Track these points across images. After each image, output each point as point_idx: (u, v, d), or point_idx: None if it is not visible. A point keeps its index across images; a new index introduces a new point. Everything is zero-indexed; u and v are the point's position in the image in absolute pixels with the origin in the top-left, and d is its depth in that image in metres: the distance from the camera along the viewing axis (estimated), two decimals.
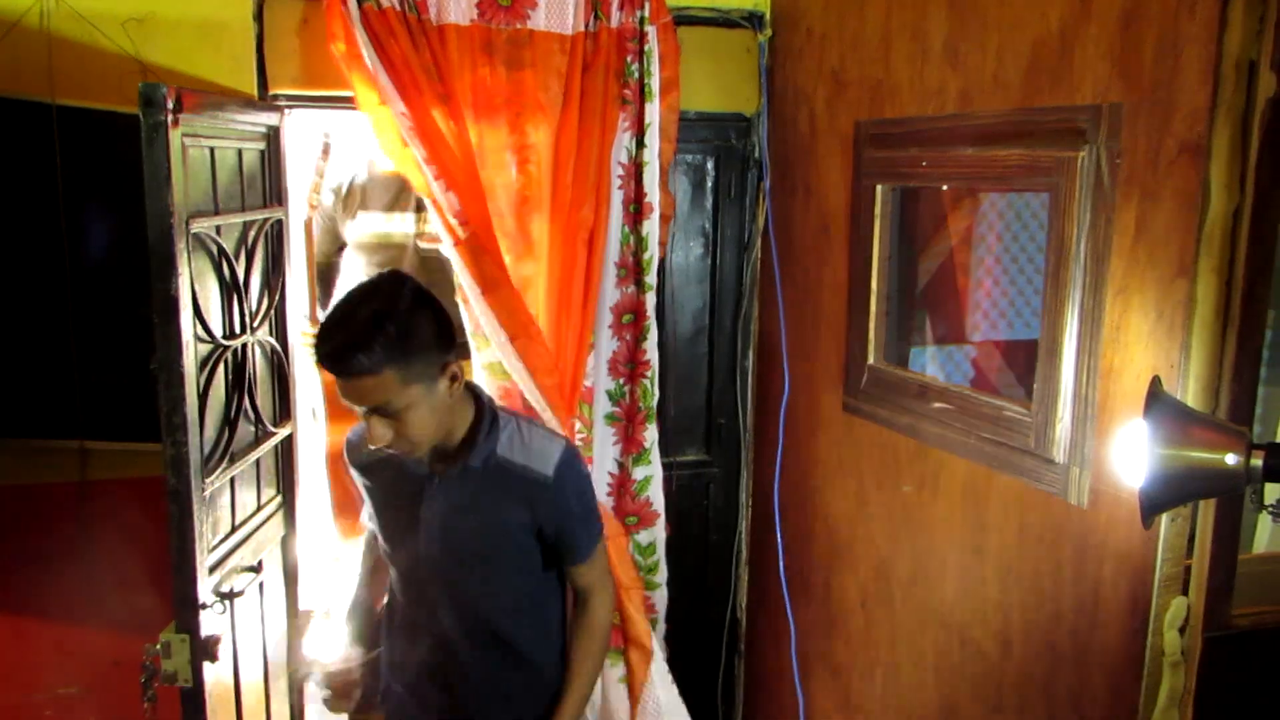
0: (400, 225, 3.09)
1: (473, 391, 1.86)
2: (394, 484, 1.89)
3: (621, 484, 2.71)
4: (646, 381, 2.66)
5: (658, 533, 2.74)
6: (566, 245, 2.50)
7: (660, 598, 2.78)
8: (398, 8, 2.30)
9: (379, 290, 1.69)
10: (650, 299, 2.63)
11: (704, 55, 2.71)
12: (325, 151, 3.19)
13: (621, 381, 2.67)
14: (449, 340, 1.72)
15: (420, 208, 2.99)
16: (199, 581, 1.94)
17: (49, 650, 2.47)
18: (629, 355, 2.66)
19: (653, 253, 2.61)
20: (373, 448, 1.72)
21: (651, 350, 2.66)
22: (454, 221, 2.38)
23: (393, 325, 1.61)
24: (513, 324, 2.41)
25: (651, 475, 2.71)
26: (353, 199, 3.11)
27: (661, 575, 2.77)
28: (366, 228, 3.10)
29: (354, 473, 1.97)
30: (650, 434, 2.69)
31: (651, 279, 2.62)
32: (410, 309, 1.66)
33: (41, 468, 2.38)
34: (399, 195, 3.07)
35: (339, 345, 1.60)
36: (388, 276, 1.74)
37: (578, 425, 2.62)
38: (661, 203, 2.61)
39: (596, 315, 2.60)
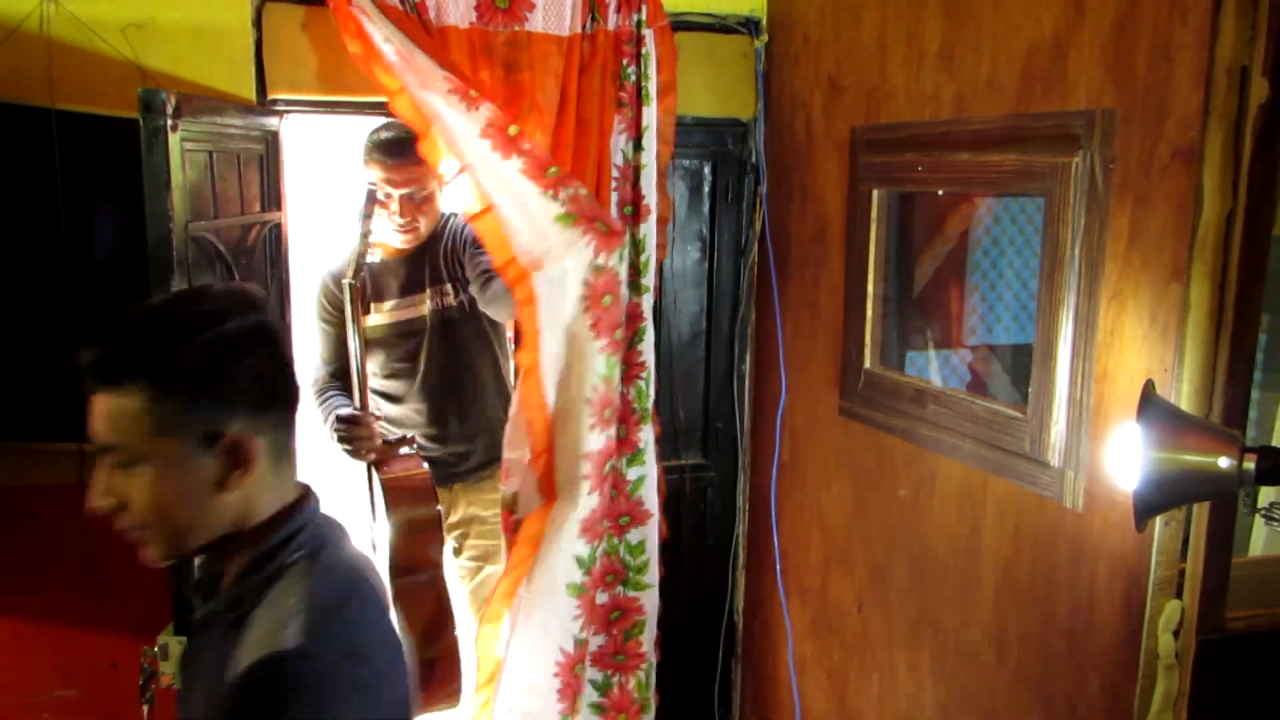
0: (419, 305, 2.76)
1: (296, 504, 1.25)
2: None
3: (615, 484, 2.71)
4: (641, 383, 2.66)
5: (648, 532, 2.73)
6: None
7: (650, 600, 2.74)
8: (399, 6, 2.30)
9: (206, 297, 1.25)
10: (647, 301, 2.63)
11: (701, 60, 2.72)
12: (371, 203, 2.57)
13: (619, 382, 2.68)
14: (259, 405, 1.19)
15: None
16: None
17: (47, 652, 2.47)
18: (625, 357, 2.66)
19: (649, 255, 2.61)
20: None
21: (648, 352, 2.66)
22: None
23: (185, 333, 1.15)
24: None
25: (645, 475, 2.70)
26: (364, 294, 2.68)
27: (651, 576, 2.74)
28: (382, 320, 2.75)
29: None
30: (644, 435, 2.68)
31: (648, 281, 2.62)
32: (231, 333, 1.17)
33: (39, 470, 2.38)
34: (418, 270, 2.73)
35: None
36: (234, 291, 1.27)
37: None
38: (660, 205, 2.62)
39: None
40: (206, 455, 1.15)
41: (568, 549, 2.45)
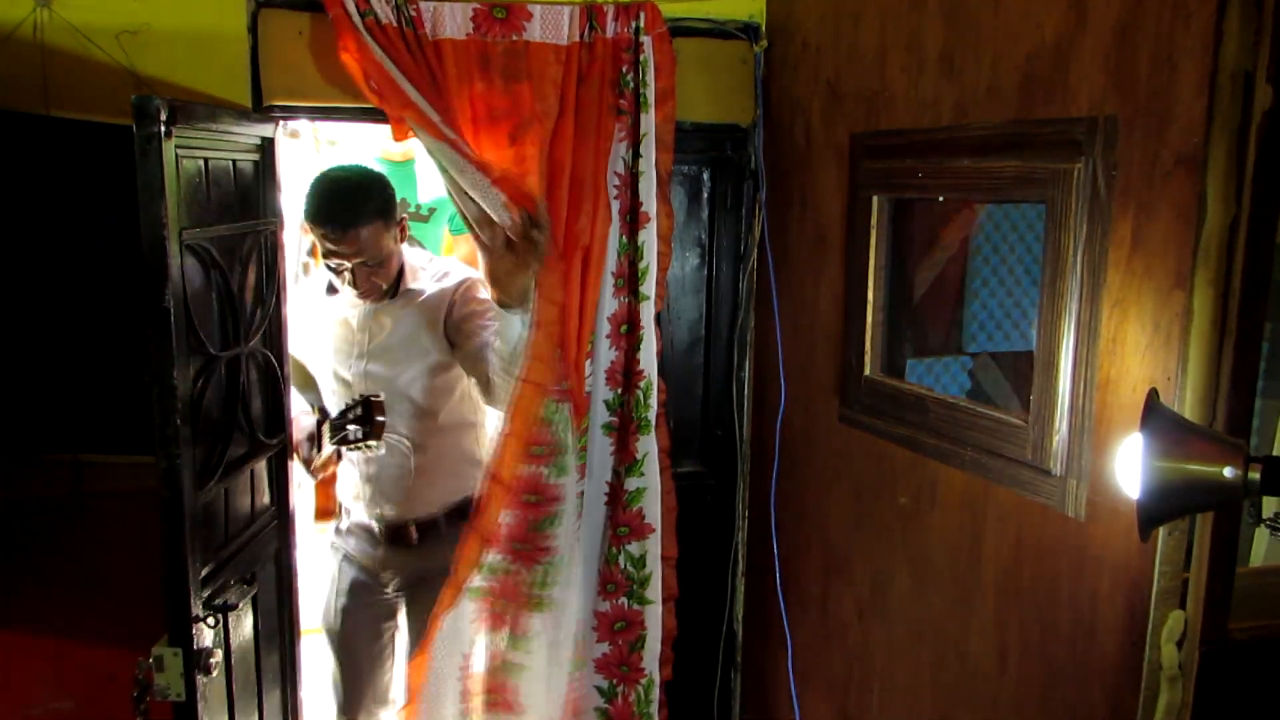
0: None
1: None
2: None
3: (614, 494, 2.69)
4: (640, 392, 2.65)
5: (649, 546, 2.70)
6: (564, 255, 2.49)
7: (651, 615, 2.71)
8: (395, 24, 2.30)
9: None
10: (647, 309, 2.62)
11: (700, 66, 2.71)
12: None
13: (619, 391, 2.66)
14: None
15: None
16: (192, 595, 1.93)
17: (42, 664, 2.46)
18: (625, 365, 2.65)
19: (649, 262, 2.60)
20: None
21: (647, 361, 2.65)
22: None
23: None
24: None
25: (645, 488, 2.68)
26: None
27: (653, 591, 2.71)
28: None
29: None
30: (644, 445, 2.67)
31: (648, 289, 2.61)
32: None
33: (35, 481, 2.37)
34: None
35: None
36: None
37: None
38: (660, 213, 2.61)
39: (595, 325, 2.59)
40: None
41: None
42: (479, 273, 2.45)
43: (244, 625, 2.27)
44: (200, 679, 1.94)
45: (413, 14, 2.32)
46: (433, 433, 2.55)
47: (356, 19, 2.25)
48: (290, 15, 2.39)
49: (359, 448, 2.35)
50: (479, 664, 2.62)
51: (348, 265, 2.32)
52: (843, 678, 2.53)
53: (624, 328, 2.62)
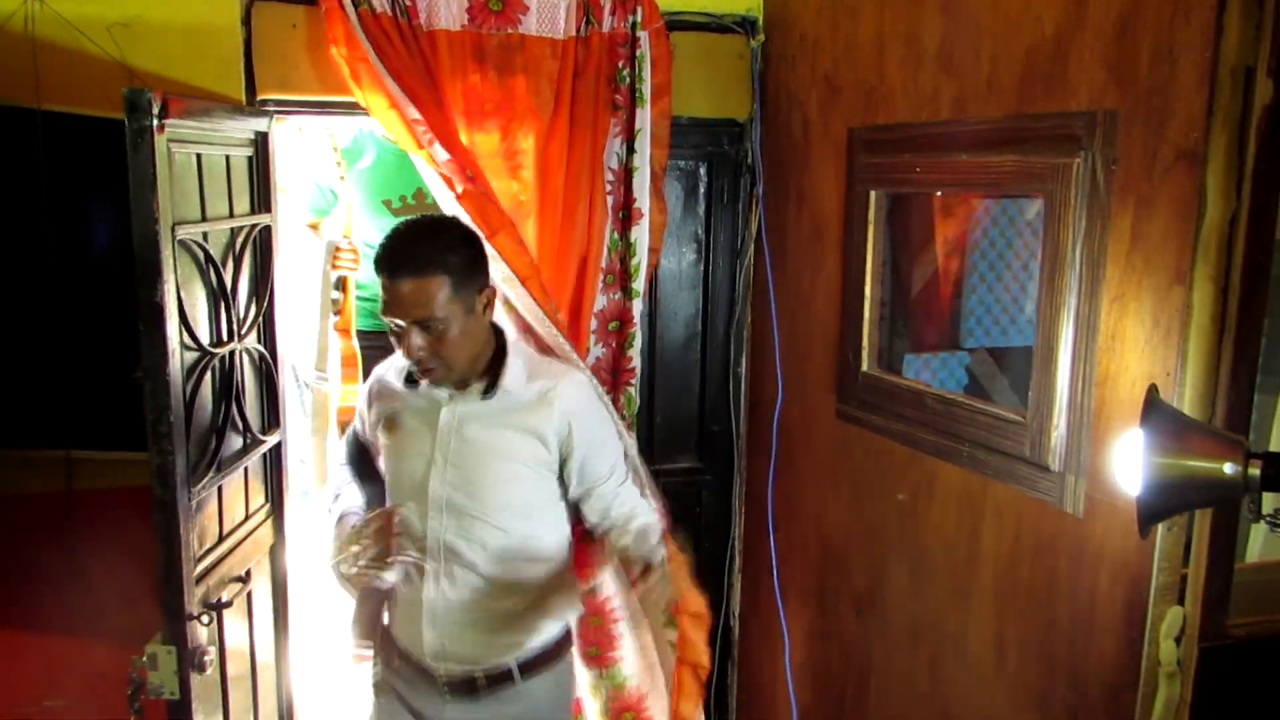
0: None
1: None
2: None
3: None
4: (631, 389, 2.64)
5: None
6: (559, 251, 2.48)
7: None
8: (389, 13, 2.28)
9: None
10: (637, 306, 2.61)
11: (696, 60, 2.70)
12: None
13: (607, 389, 2.65)
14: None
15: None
16: (186, 592, 1.92)
17: (35, 663, 2.44)
18: (613, 363, 2.64)
19: (641, 259, 2.59)
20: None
21: (637, 358, 2.64)
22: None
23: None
24: (522, 266, 2.33)
25: None
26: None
27: None
28: None
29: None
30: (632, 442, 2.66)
31: (639, 286, 2.60)
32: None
33: (27, 477, 2.35)
34: None
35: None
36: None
37: None
38: (654, 209, 2.59)
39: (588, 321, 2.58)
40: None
41: None
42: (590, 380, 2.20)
43: (238, 623, 2.25)
44: (194, 677, 1.93)
45: (407, 3, 2.30)
46: (520, 567, 2.02)
47: (350, 8, 2.24)
48: (284, 8, 2.37)
49: (369, 573, 1.92)
50: None
51: (401, 324, 1.86)
52: (840, 674, 2.52)
53: (613, 324, 2.61)
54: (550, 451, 2.00)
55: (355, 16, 2.23)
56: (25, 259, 2.30)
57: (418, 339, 1.85)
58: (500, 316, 2.34)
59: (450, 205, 2.32)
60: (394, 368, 2.09)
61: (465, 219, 2.24)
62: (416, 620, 2.01)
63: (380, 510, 2.00)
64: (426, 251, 1.83)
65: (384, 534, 1.94)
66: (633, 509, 2.10)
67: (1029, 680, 1.87)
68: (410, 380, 2.01)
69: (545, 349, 2.38)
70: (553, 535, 2.07)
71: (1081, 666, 1.74)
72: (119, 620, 2.33)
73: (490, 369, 1.99)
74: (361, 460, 2.18)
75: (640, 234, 2.57)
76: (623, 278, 2.59)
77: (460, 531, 1.97)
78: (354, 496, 2.15)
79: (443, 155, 2.29)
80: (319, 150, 2.99)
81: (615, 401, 2.64)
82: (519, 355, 2.04)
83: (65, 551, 2.37)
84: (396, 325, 1.87)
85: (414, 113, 2.26)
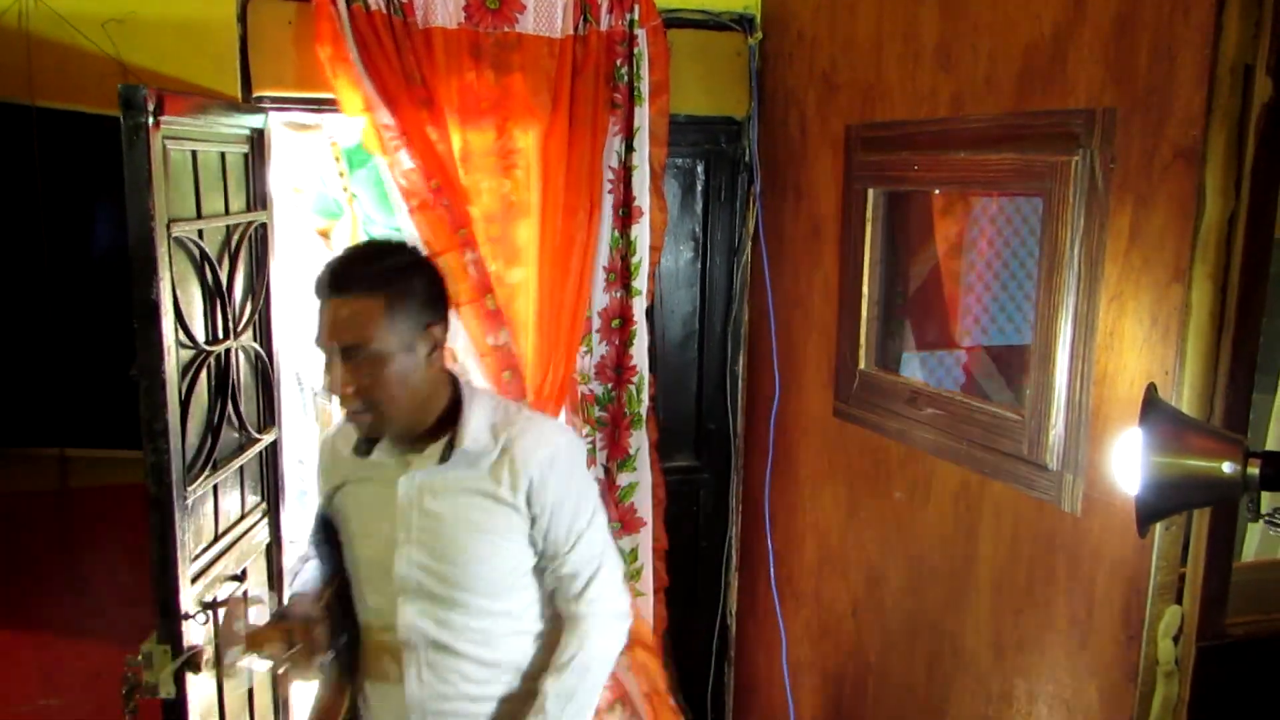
0: None
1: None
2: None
3: (606, 490, 2.69)
4: (633, 387, 2.64)
5: (641, 539, 2.71)
6: (558, 250, 2.48)
7: (644, 605, 2.75)
8: (384, 10, 2.28)
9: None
10: (639, 304, 2.61)
11: (694, 58, 2.69)
12: None
13: (610, 386, 2.65)
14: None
15: None
16: (181, 591, 1.91)
17: (29, 662, 2.43)
18: (616, 360, 2.64)
19: (642, 257, 2.59)
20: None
21: (639, 355, 2.64)
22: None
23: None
24: (462, 291, 2.40)
25: (637, 482, 2.68)
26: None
27: (645, 584, 2.73)
28: None
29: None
30: (636, 440, 2.66)
31: (640, 284, 2.60)
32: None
33: (20, 476, 2.34)
34: None
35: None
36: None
37: (586, 429, 2.62)
38: (654, 207, 2.59)
39: (588, 319, 2.58)
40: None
41: None
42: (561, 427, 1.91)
43: None
44: (189, 676, 1.92)
45: (403, 1, 2.30)
46: (510, 645, 1.75)
47: (342, 6, 2.24)
48: (279, 4, 2.36)
49: (287, 667, 1.64)
50: None
51: (326, 348, 1.59)
52: (836, 672, 2.52)
53: (615, 322, 2.61)
54: (522, 514, 1.68)
55: (346, 14, 2.24)
56: (19, 256, 2.28)
57: (341, 371, 1.56)
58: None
59: (403, 218, 2.36)
60: (343, 432, 1.80)
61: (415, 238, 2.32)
62: (400, 718, 1.73)
63: (296, 621, 1.67)
64: (363, 270, 1.58)
65: (304, 643, 1.64)
66: (587, 615, 1.72)
67: (1027, 679, 1.87)
68: (361, 447, 1.72)
69: (521, 393, 2.42)
70: (546, 606, 1.78)
71: (1079, 665, 1.74)
72: (114, 619, 2.32)
73: (446, 425, 1.68)
74: (327, 532, 1.86)
75: (641, 232, 2.57)
76: (624, 276, 2.59)
77: (436, 617, 1.68)
78: (311, 577, 1.85)
79: (407, 164, 2.33)
80: (321, 158, 2.98)
81: (619, 399, 2.64)
82: (482, 407, 1.70)
83: (59, 550, 2.36)
84: (326, 354, 1.59)
85: (386, 118, 2.29)
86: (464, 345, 2.44)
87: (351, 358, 1.56)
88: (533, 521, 1.69)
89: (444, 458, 1.67)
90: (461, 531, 1.68)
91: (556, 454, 1.70)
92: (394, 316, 1.57)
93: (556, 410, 2.53)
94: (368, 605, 1.76)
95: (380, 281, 1.57)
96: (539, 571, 1.75)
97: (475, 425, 1.68)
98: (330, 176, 2.98)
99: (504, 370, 2.49)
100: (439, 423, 1.69)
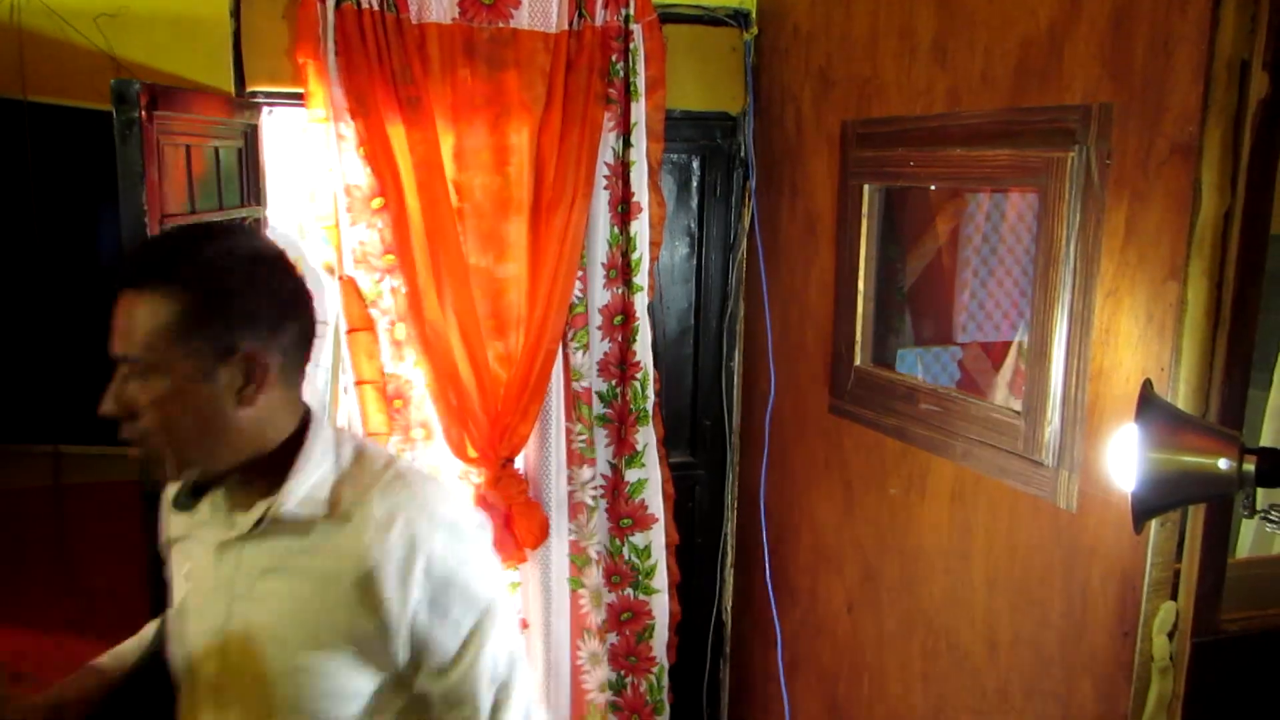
0: None
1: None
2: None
3: (615, 486, 2.69)
4: (637, 383, 2.64)
5: (654, 536, 2.72)
6: (549, 246, 2.47)
7: (659, 604, 2.75)
8: (376, 7, 2.27)
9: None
10: (640, 300, 2.61)
11: (689, 54, 2.69)
12: None
13: (613, 383, 2.65)
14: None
15: None
16: None
17: (24, 658, 2.43)
18: (620, 357, 2.64)
19: (641, 253, 2.59)
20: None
21: (643, 352, 2.64)
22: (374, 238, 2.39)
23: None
24: (354, 317, 2.42)
25: (646, 479, 2.69)
26: None
27: (660, 580, 2.74)
28: None
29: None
30: (643, 436, 2.66)
31: (641, 279, 2.60)
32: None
33: (14, 472, 2.34)
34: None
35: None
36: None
37: (578, 427, 2.60)
38: (652, 202, 2.59)
39: (587, 317, 2.58)
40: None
41: None
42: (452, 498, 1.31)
43: None
44: None
45: None
46: None
47: (330, 5, 2.23)
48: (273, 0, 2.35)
49: None
50: None
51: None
52: (832, 668, 2.52)
53: (617, 319, 2.61)
54: (370, 614, 1.16)
55: (331, 14, 2.23)
56: (12, 252, 2.28)
57: (116, 384, 1.15)
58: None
59: (345, 228, 2.36)
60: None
61: (328, 253, 2.34)
62: None
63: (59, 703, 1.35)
64: (167, 258, 1.15)
65: None
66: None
67: (1021, 676, 1.87)
68: (180, 497, 1.29)
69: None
70: None
71: (1074, 662, 1.74)
72: (108, 615, 2.32)
73: (271, 469, 1.21)
74: None
75: (640, 228, 2.57)
76: (624, 272, 2.59)
77: None
78: (150, 634, 1.48)
79: (354, 178, 2.32)
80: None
81: (623, 395, 2.64)
82: (326, 456, 1.23)
83: (53, 546, 2.36)
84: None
85: (344, 128, 2.30)
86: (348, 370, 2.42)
87: (122, 371, 1.15)
88: (384, 628, 1.17)
89: (258, 523, 1.20)
90: (282, 629, 1.19)
91: (433, 530, 1.20)
92: (188, 328, 1.13)
93: (535, 410, 2.52)
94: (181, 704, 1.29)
95: (182, 277, 1.13)
96: (404, 699, 1.23)
97: (306, 482, 1.20)
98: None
99: (395, 399, 2.47)
100: (275, 472, 1.21)
